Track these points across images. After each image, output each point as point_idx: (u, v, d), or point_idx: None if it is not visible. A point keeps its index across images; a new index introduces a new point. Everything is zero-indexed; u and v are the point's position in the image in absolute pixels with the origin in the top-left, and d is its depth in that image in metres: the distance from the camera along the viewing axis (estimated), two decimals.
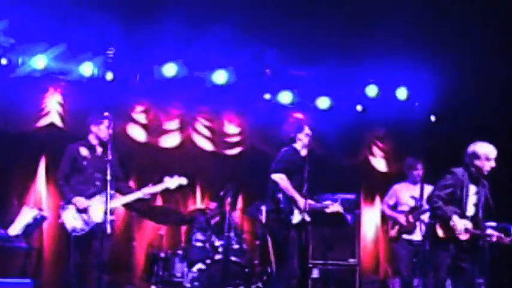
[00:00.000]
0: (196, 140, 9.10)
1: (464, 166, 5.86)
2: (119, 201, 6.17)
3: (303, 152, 6.38)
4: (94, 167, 6.11)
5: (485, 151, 5.81)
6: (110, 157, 6.01)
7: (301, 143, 6.40)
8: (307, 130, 6.40)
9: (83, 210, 5.94)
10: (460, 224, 5.65)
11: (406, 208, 7.20)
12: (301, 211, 6.10)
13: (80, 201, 5.94)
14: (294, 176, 6.24)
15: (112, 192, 5.86)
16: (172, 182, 6.32)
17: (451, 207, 5.71)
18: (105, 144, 6.15)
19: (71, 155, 6.17)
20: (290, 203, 6.15)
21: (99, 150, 6.23)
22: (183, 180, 6.39)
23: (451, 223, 5.62)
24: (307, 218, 6.13)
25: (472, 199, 5.81)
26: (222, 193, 7.34)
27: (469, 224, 5.71)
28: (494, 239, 5.77)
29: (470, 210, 5.80)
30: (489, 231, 5.79)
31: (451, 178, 5.79)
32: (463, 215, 5.75)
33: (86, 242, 5.96)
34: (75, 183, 6.09)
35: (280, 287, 6.22)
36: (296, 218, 6.14)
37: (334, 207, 6.26)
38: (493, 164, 5.83)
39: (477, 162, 5.79)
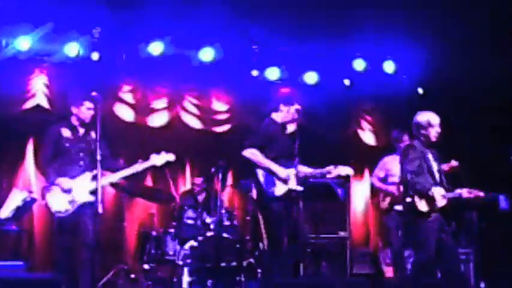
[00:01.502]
0: (185, 118, 9.08)
1: (415, 138, 5.95)
2: (107, 179, 6.10)
3: (291, 128, 6.30)
4: (77, 147, 6.03)
5: (427, 118, 5.92)
6: (93, 136, 5.94)
7: (282, 115, 6.25)
8: (296, 105, 6.27)
9: (67, 191, 5.86)
10: (438, 193, 5.73)
11: (396, 179, 7.22)
12: (284, 182, 5.97)
13: (64, 181, 5.87)
14: (273, 147, 6.08)
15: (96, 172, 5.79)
16: (159, 159, 6.24)
17: (424, 179, 5.78)
18: (87, 125, 6.10)
19: (52, 137, 6.07)
20: (271, 175, 5.99)
21: (81, 131, 6.15)
22: (171, 157, 6.30)
23: (430, 193, 5.69)
24: (298, 188, 5.96)
25: (434, 166, 5.90)
26: (213, 170, 7.31)
27: (442, 191, 5.78)
28: (465, 194, 5.82)
29: (437, 177, 5.89)
30: (458, 190, 5.85)
31: (413, 151, 5.88)
32: (435, 183, 5.85)
33: (71, 223, 5.87)
34: (59, 164, 5.99)
35: (270, 262, 6.13)
36: (280, 189, 5.98)
37: (340, 170, 6.08)
38: (438, 129, 5.91)
39: (423, 131, 5.91)
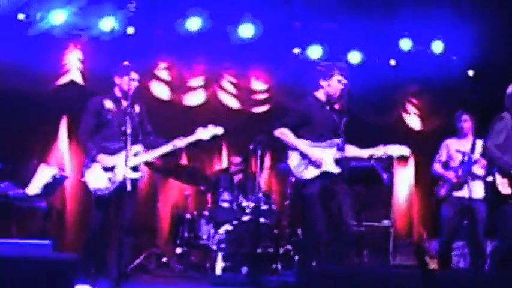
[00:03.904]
0: (222, 98, 8.85)
1: (506, 110, 5.44)
2: (148, 156, 5.69)
3: (337, 105, 5.84)
4: (119, 120, 5.55)
5: None
6: (137, 110, 5.69)
7: (324, 91, 5.76)
8: (336, 76, 5.73)
9: (108, 168, 5.50)
10: None
11: (456, 164, 6.75)
12: (316, 165, 5.49)
13: (105, 158, 5.50)
14: (313, 125, 5.64)
15: (140, 147, 5.55)
16: (206, 133, 5.72)
17: (510, 155, 5.25)
18: (130, 97, 5.65)
19: (94, 109, 5.66)
20: (302, 157, 5.54)
21: (124, 103, 5.66)
22: (219, 130, 5.77)
23: None
24: (334, 170, 5.52)
25: None
26: (251, 146, 6.95)
27: None
28: None
29: None
30: None
31: (500, 123, 5.34)
32: None
33: (109, 202, 5.53)
34: (100, 138, 5.61)
35: (306, 250, 5.74)
36: (310, 172, 5.51)
37: (393, 150, 5.49)
38: None
39: None
